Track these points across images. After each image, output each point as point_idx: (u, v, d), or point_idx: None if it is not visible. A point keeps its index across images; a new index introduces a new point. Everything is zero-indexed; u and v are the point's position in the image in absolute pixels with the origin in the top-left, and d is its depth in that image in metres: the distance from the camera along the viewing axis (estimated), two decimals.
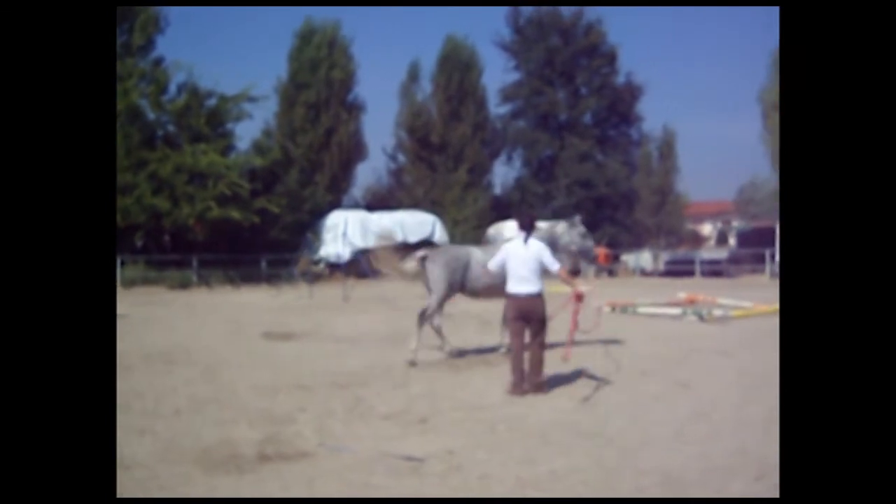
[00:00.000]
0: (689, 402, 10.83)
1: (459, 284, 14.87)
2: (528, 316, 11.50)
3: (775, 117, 45.65)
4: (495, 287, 13.44)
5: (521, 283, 11.52)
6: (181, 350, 15.89)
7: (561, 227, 15.81)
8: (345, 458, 8.26)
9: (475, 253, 15.16)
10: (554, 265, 11.61)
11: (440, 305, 15.06)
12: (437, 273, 14.80)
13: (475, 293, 15.16)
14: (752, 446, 8.54)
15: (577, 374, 12.63)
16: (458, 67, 53.73)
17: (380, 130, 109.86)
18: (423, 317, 14.79)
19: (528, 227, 11.87)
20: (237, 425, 9.65)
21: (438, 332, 15.45)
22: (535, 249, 11.60)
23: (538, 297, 11.53)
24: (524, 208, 49.47)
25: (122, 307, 22.50)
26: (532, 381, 11.43)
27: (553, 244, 14.60)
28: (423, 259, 15.14)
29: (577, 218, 16.34)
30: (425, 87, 55.34)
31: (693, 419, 9.89)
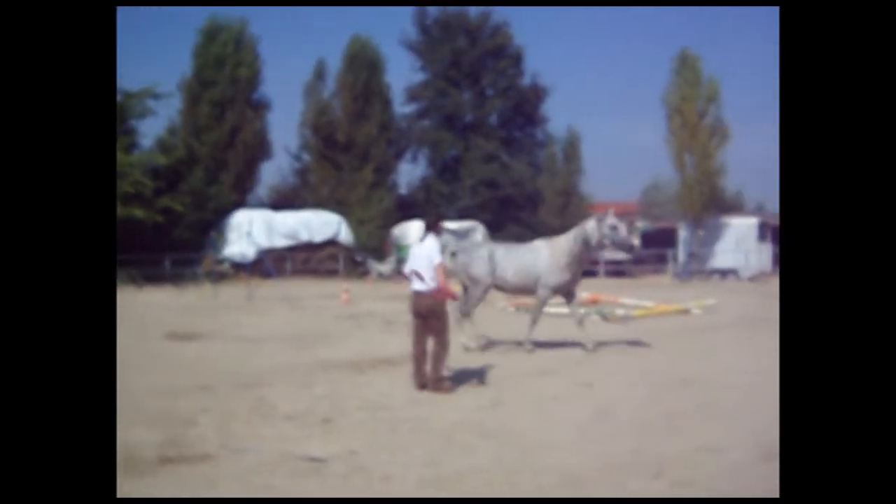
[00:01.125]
0: (590, 402, 10.96)
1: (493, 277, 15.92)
2: (422, 313, 11.73)
3: (678, 119, 46.34)
4: (524, 285, 15.10)
5: (415, 281, 11.78)
6: None
7: (590, 224, 15.79)
8: (247, 460, 8.21)
9: (498, 250, 16.51)
10: (435, 259, 11.76)
11: (482, 297, 16.29)
12: (479, 267, 15.89)
13: (502, 287, 16.40)
14: (652, 445, 8.69)
15: (480, 374, 12.71)
16: (364, 66, 53.33)
17: (286, 129, 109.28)
18: (464, 309, 15.83)
19: (430, 226, 12.22)
20: (135, 427, 9.48)
21: (463, 322, 15.99)
22: (427, 248, 11.80)
23: (429, 295, 11.70)
24: (430, 209, 49.59)
25: None
26: (432, 378, 11.61)
27: (587, 242, 15.51)
28: (454, 255, 16.10)
29: (611, 211, 16.33)
30: (331, 85, 54.96)
31: (594, 418, 10.01)
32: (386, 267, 47.66)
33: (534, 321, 15.84)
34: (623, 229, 15.82)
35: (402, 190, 58.90)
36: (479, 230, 48.33)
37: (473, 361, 13.70)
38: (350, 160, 51.98)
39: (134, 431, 9.27)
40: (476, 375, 12.65)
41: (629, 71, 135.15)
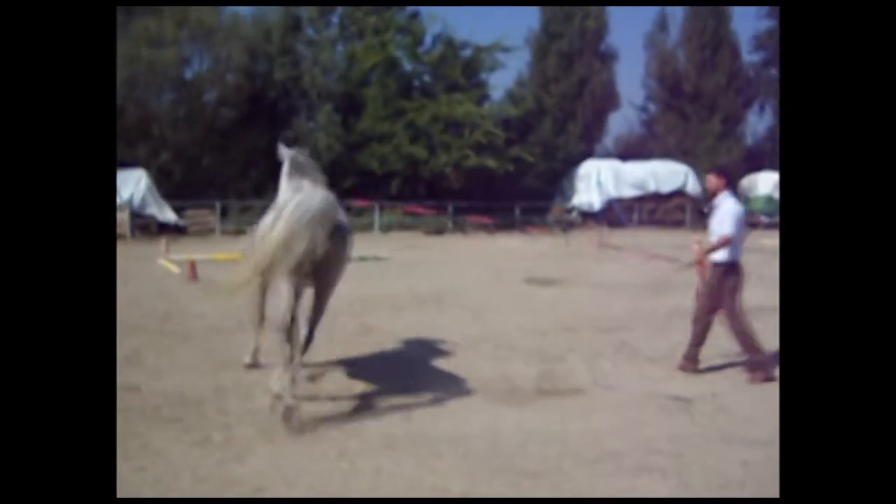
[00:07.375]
0: None
1: None
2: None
3: None
4: None
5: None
6: (448, 293, 16.63)
7: None
8: (616, 396, 8.83)
9: None
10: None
11: None
12: None
13: None
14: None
15: None
16: (710, 15, 52.35)
17: (630, 80, 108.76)
18: None
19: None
20: (512, 362, 10.32)
21: None
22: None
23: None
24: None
25: (381, 251, 23.83)
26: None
27: None
28: None
29: None
30: (674, 35, 54.24)
31: None
32: None
33: None
34: None
35: (749, 141, 57.71)
36: None
37: None
38: (697, 110, 51.45)
39: (511, 365, 10.11)
40: None
41: None
